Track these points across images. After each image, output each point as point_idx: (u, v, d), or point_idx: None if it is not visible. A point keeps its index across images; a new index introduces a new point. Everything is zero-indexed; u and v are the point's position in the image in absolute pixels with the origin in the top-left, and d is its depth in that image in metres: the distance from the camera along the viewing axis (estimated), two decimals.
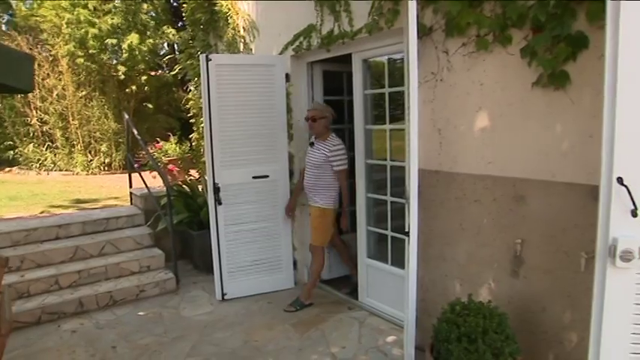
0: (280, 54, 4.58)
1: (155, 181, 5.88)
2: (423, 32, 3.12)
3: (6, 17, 13.17)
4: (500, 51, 2.74)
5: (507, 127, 2.78)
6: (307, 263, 4.81)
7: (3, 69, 2.11)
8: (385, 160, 3.90)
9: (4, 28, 12.57)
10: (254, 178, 4.46)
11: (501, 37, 2.71)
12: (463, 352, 2.39)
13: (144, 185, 5.47)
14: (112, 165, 11.63)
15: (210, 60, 4.23)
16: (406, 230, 2.87)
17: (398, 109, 3.81)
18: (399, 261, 3.79)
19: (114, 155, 11.62)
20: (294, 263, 4.80)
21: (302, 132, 4.65)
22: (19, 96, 11.28)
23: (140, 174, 5.60)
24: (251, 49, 5.19)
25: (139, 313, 4.36)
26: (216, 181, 4.32)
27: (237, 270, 4.52)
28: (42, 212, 6.58)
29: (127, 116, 6.00)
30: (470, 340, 2.41)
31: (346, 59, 4.08)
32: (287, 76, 4.53)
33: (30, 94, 11.18)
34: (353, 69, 4.03)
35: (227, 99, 4.29)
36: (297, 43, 4.39)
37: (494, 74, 2.81)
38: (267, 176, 4.51)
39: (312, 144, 4.26)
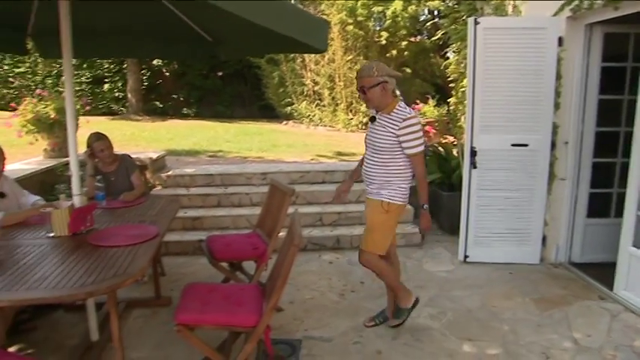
0: (554, 16, 4.28)
1: None
2: None
3: None
4: None
5: None
6: (558, 241, 4.54)
7: (310, 30, 2.56)
8: None
9: (292, 1, 14.52)
10: (512, 145, 4.33)
11: None
12: None
13: None
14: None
15: (479, 23, 4.21)
16: None
17: None
18: None
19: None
20: (543, 239, 4.57)
21: (571, 100, 4.30)
22: (298, 59, 13.04)
23: None
24: (520, 12, 4.96)
25: None
26: (473, 145, 4.36)
27: (483, 235, 4.54)
28: (311, 159, 7.64)
29: None
30: None
31: (635, 19, 3.58)
32: (560, 39, 4.21)
33: (307, 58, 12.80)
34: None
35: (491, 63, 4.23)
36: (576, 1, 4.03)
37: None
38: (526, 145, 4.33)
39: (372, 119, 3.14)
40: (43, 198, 3.66)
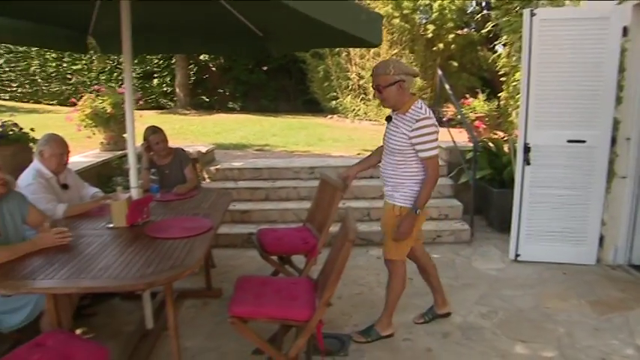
0: (619, 4, 4.07)
1: (460, 136, 6.09)
2: None
3: None
4: None
5: None
6: (617, 242, 4.35)
7: (365, 25, 2.54)
8: None
9: None
10: (569, 141, 4.18)
11: None
12: None
13: (450, 138, 5.73)
14: None
15: (535, 15, 4.07)
16: None
17: None
18: None
19: None
20: (601, 239, 4.39)
21: (635, 93, 4.08)
22: (343, 53, 12.98)
23: (448, 128, 5.88)
24: (578, 2, 4.76)
25: (434, 256, 4.64)
26: (527, 141, 4.23)
27: (536, 234, 4.41)
28: (358, 154, 7.59)
29: (440, 72, 6.32)
30: None
31: None
32: (624, 29, 4.01)
33: (352, 52, 12.73)
34: None
35: (547, 56, 4.09)
36: None
37: None
38: (583, 141, 4.17)
39: (388, 118, 3.02)
40: (101, 190, 3.80)
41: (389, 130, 2.98)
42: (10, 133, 4.07)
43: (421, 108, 2.81)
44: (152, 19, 3.41)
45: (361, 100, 12.98)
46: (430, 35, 12.29)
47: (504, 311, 3.60)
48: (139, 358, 2.88)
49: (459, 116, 6.19)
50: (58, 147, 3.35)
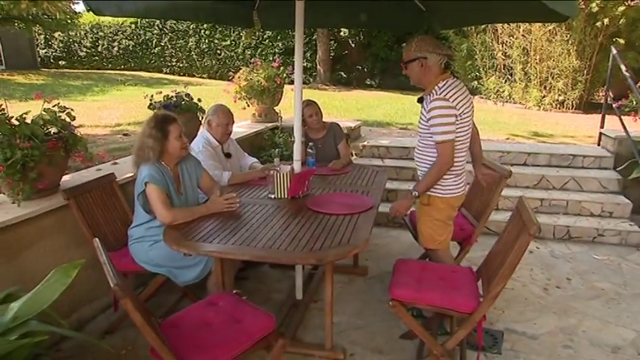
0: None
1: (633, 125, 5.39)
2: None
3: None
4: None
5: None
6: None
7: None
8: None
9: None
10: None
11: None
12: None
13: (621, 127, 5.09)
14: (565, 103, 11.32)
15: None
16: None
17: None
18: None
19: (568, 93, 11.25)
20: None
21: None
22: (489, 31, 12.16)
23: (619, 115, 5.23)
24: None
25: (595, 256, 4.26)
26: None
27: None
28: (507, 138, 7.13)
29: (614, 50, 5.62)
30: None
31: None
32: None
33: (499, 29, 11.87)
34: None
35: None
36: None
37: None
38: None
39: (420, 99, 2.85)
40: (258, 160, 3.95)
41: (421, 112, 2.85)
42: (183, 102, 4.39)
43: (441, 88, 2.64)
44: None
45: (506, 81, 12.15)
46: (595, 9, 10.95)
47: None
48: (291, 327, 2.96)
49: (633, 102, 5.47)
50: (225, 117, 3.53)
